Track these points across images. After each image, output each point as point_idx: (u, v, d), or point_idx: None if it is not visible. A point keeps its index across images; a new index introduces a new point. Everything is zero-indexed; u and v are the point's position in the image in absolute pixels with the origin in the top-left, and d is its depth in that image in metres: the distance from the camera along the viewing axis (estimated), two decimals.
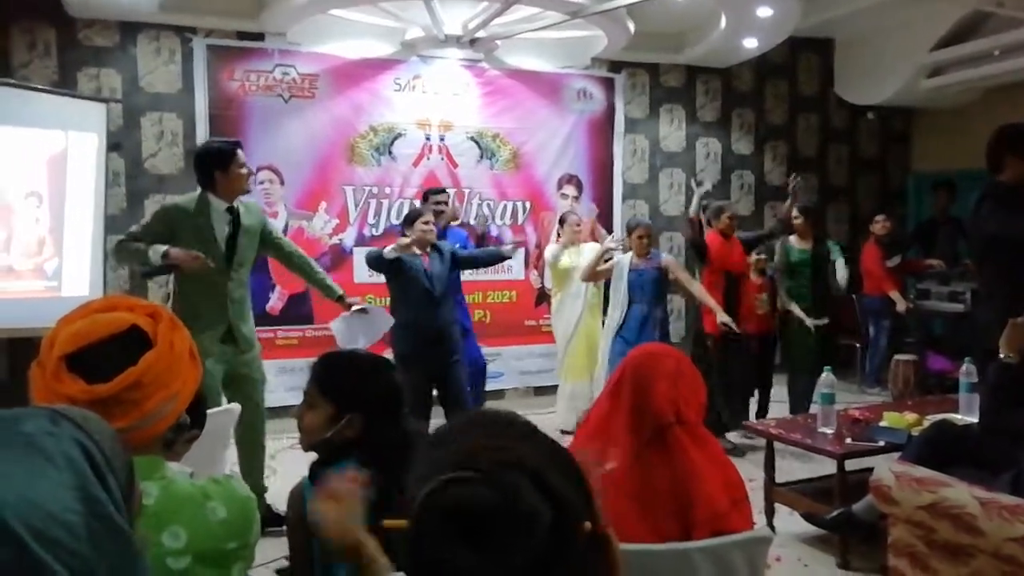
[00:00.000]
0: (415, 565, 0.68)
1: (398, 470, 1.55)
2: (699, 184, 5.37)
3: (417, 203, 5.92)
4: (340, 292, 3.80)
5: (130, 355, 1.21)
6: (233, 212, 3.43)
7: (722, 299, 4.83)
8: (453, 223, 5.11)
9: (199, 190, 3.43)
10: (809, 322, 5.09)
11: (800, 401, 5.20)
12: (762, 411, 5.19)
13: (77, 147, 4.97)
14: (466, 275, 4.92)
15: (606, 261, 4.94)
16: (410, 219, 4.27)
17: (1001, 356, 2.54)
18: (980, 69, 6.12)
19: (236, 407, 3.12)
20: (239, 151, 3.41)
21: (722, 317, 4.63)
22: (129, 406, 1.19)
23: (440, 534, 0.65)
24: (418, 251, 4.15)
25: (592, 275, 4.97)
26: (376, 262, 4.13)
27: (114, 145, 5.33)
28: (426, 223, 4.18)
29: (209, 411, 2.43)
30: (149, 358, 1.22)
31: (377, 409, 1.65)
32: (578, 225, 5.30)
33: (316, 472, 1.66)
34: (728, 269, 4.94)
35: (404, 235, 4.25)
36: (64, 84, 5.26)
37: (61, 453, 0.70)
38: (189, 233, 3.32)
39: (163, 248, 3.27)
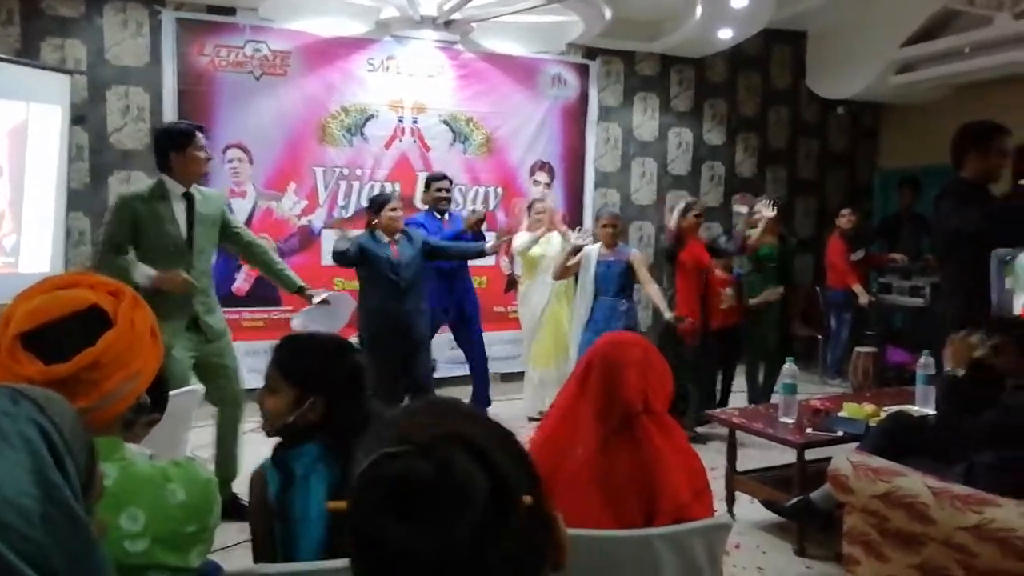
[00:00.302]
0: (355, 542, 0.67)
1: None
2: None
3: (388, 186, 5.90)
4: (300, 284, 3.68)
5: (89, 334, 1.19)
6: (189, 197, 3.32)
7: (698, 300, 4.87)
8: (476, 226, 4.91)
9: (156, 177, 3.36)
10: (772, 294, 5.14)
11: (758, 391, 5.31)
12: (723, 401, 5.27)
13: (39, 119, 4.84)
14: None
15: (575, 254, 4.94)
16: (377, 204, 4.21)
17: (946, 370, 2.62)
18: (950, 66, 6.22)
19: (199, 388, 3.09)
20: (198, 134, 3.31)
21: (667, 315, 4.71)
22: (88, 386, 1.17)
23: (377, 509, 0.65)
24: (386, 238, 4.12)
25: (563, 272, 4.95)
26: (343, 260, 4.10)
27: (78, 118, 5.21)
28: (393, 210, 4.14)
29: (171, 393, 2.40)
30: (108, 338, 1.20)
31: (340, 392, 1.64)
32: (540, 212, 5.27)
33: (279, 456, 1.65)
34: (700, 267, 4.97)
35: (371, 221, 4.22)
36: (27, 54, 5.12)
37: (18, 434, 0.69)
38: (148, 221, 3.23)
39: (149, 272, 3.19)
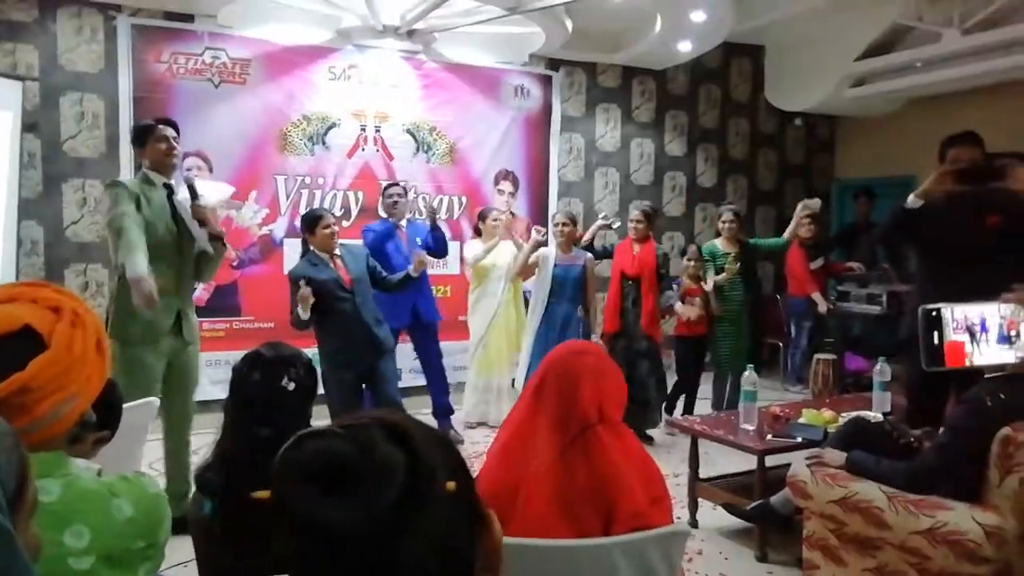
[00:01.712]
0: (291, 521, 0.68)
1: (239, 477, 1.53)
2: (605, 218, 5.41)
3: (352, 195, 5.86)
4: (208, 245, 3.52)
5: (19, 357, 1.14)
6: (169, 189, 3.39)
7: (617, 307, 4.98)
8: (408, 217, 5.00)
9: (140, 173, 3.41)
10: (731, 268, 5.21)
11: (722, 398, 5.37)
12: (688, 409, 5.31)
13: None
14: None
15: (536, 250, 4.93)
16: (309, 222, 4.03)
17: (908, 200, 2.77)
18: (902, 80, 6.39)
19: (155, 401, 3.02)
20: (159, 126, 3.38)
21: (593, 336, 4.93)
22: (17, 410, 1.13)
23: (299, 484, 0.67)
24: (325, 256, 4.01)
25: (524, 271, 4.97)
26: (303, 325, 3.91)
27: (29, 125, 5.09)
28: (327, 227, 3.98)
29: (126, 405, 2.34)
30: (39, 362, 1.15)
31: (228, 417, 1.64)
32: (495, 220, 5.26)
33: (201, 475, 1.64)
34: (626, 274, 5.00)
35: (305, 240, 4.09)
36: None
37: None
38: (144, 206, 3.24)
39: (143, 269, 3.06)
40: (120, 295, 3.24)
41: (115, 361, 3.21)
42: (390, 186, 5.06)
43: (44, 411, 1.16)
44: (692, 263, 5.33)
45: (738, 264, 5.22)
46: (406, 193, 5.07)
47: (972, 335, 2.67)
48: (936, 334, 2.64)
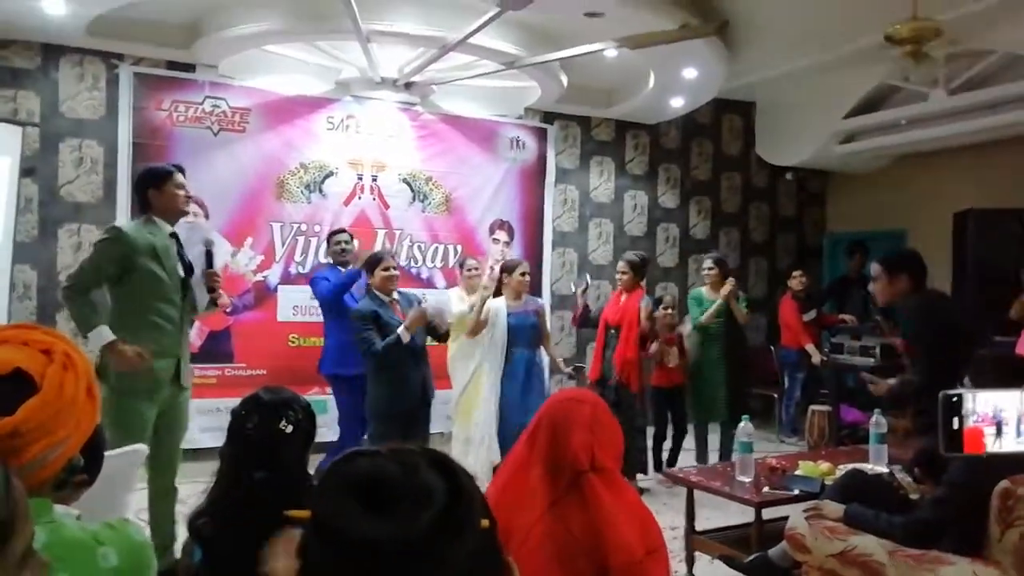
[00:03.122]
0: (317, 534, 0.69)
1: (235, 526, 1.50)
2: (577, 285, 5.48)
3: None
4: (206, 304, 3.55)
5: (10, 400, 1.13)
6: (176, 238, 3.36)
7: (600, 354, 5.05)
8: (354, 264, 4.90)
9: (143, 216, 3.34)
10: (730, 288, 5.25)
11: (704, 450, 5.34)
12: (672, 460, 5.27)
13: None
14: None
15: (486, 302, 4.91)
16: (371, 265, 4.11)
17: None
18: (889, 137, 6.52)
19: (143, 448, 2.96)
20: (177, 173, 3.36)
21: (565, 369, 5.11)
22: (7, 454, 1.11)
23: (343, 500, 0.68)
24: (385, 298, 4.04)
25: (479, 327, 4.79)
26: (392, 352, 3.91)
27: (28, 170, 5.12)
28: (386, 269, 4.05)
29: (112, 452, 2.29)
30: (29, 406, 1.14)
31: (224, 461, 1.62)
32: (473, 270, 5.17)
33: (193, 524, 1.61)
34: (608, 322, 5.05)
35: (368, 284, 4.16)
36: None
37: None
38: (145, 258, 3.17)
39: (109, 336, 3.08)
40: (124, 337, 3.17)
41: (108, 411, 3.18)
42: (338, 232, 5.02)
43: (33, 455, 1.14)
44: (668, 312, 5.33)
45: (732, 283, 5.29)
46: (352, 239, 5.02)
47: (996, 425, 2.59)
48: (956, 420, 2.56)
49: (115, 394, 3.13)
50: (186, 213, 3.52)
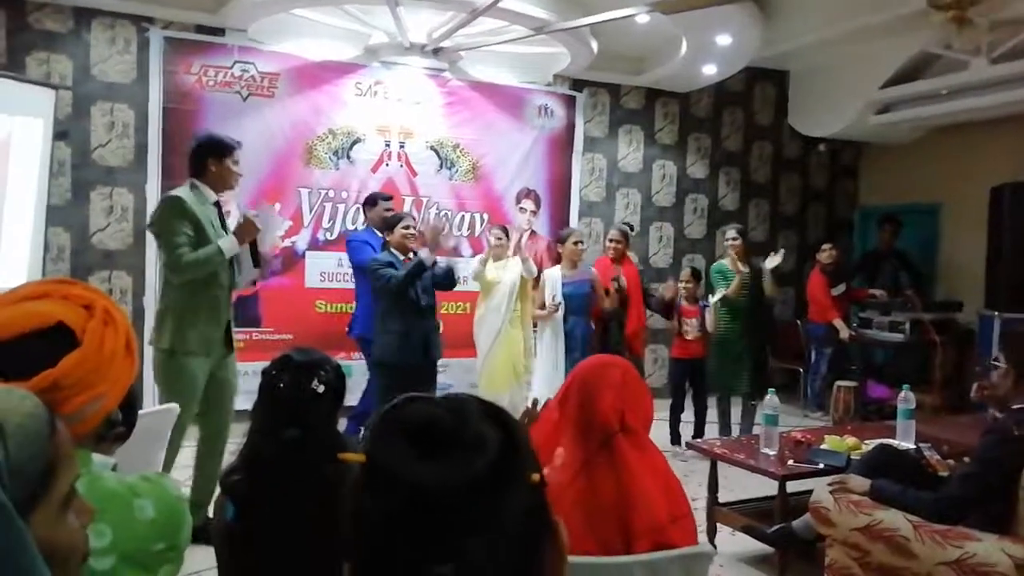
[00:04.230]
0: (370, 481, 0.69)
1: (266, 484, 1.52)
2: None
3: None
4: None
5: (51, 354, 1.14)
6: (218, 206, 3.48)
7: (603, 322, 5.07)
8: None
9: (188, 182, 3.45)
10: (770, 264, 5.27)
11: (727, 423, 5.33)
12: (698, 432, 5.27)
13: (21, 132, 4.80)
14: None
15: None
16: (391, 224, 4.32)
17: None
18: (927, 108, 6.35)
19: (175, 407, 3.03)
20: (238, 149, 3.50)
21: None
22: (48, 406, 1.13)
23: (396, 445, 0.68)
24: (401, 257, 4.17)
25: (543, 310, 4.98)
26: (416, 277, 4.11)
27: (60, 133, 5.17)
28: (406, 228, 4.23)
29: (148, 410, 2.34)
30: (70, 360, 1.15)
31: (256, 421, 1.63)
32: (499, 239, 5.23)
33: (227, 481, 1.63)
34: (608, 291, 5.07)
35: (386, 241, 4.30)
36: (12, 68, 5.08)
37: None
38: (196, 224, 3.31)
39: (228, 238, 3.33)
40: (177, 305, 3.32)
41: (161, 369, 3.31)
42: (386, 198, 5.12)
43: (73, 408, 1.16)
44: (687, 284, 5.30)
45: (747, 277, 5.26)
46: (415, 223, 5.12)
47: None
48: None
49: (170, 354, 3.28)
50: (234, 187, 3.63)
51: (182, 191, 3.40)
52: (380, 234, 4.82)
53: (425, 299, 4.25)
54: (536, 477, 0.71)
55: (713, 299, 5.26)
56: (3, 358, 1.13)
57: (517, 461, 0.69)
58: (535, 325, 5.21)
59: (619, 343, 5.01)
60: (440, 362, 5.38)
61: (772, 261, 5.26)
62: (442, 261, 4.47)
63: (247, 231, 3.38)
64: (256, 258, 3.57)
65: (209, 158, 3.41)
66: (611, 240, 5.18)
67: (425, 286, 4.25)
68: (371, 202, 5.12)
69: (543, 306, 5.00)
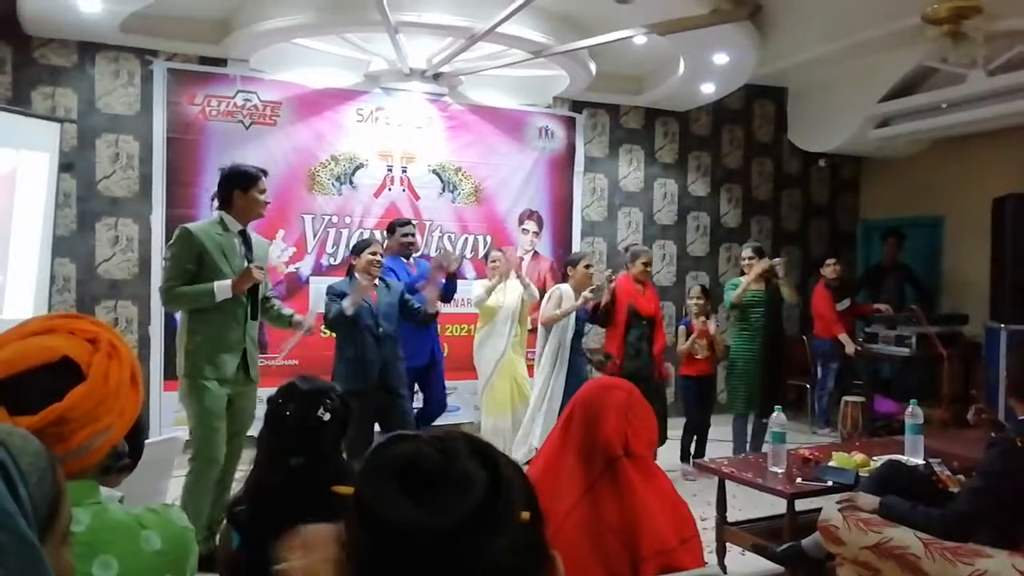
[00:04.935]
0: (358, 518, 0.69)
1: (272, 512, 1.52)
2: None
3: (377, 234, 5.91)
4: (291, 315, 3.81)
5: (58, 388, 1.16)
6: (244, 236, 3.49)
7: (621, 343, 4.95)
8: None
9: (217, 213, 3.51)
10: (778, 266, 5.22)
11: (743, 442, 5.29)
12: (699, 452, 5.24)
13: (27, 166, 4.86)
14: None
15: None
16: (358, 249, 4.29)
17: None
18: (927, 121, 6.37)
19: (181, 436, 3.04)
20: (263, 178, 3.51)
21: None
22: (54, 440, 1.14)
23: (383, 484, 0.68)
24: (364, 282, 4.12)
25: (552, 320, 4.92)
26: (339, 322, 4.08)
27: (66, 166, 5.23)
28: (374, 253, 4.17)
29: (152, 440, 2.35)
30: (76, 393, 1.17)
31: (262, 450, 1.64)
32: (495, 261, 5.23)
33: (233, 513, 1.63)
34: (640, 313, 5.00)
35: (352, 265, 4.26)
36: (17, 102, 5.15)
37: None
38: (215, 253, 3.34)
39: (225, 284, 3.31)
40: (192, 334, 3.36)
41: (182, 394, 3.39)
42: (404, 224, 5.06)
43: (80, 441, 1.17)
44: (698, 300, 5.29)
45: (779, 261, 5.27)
46: (415, 231, 5.15)
47: None
48: None
49: (189, 380, 3.34)
50: (262, 216, 3.65)
51: (199, 223, 3.52)
52: (404, 260, 4.87)
53: (385, 327, 4.18)
54: (526, 515, 0.70)
55: (716, 320, 5.27)
56: (11, 393, 1.15)
57: (504, 500, 0.69)
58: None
59: (647, 365, 4.98)
60: (448, 384, 5.40)
61: (773, 263, 5.27)
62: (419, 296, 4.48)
63: (245, 279, 3.37)
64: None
65: (235, 190, 3.45)
66: (646, 263, 5.14)
67: (387, 313, 4.19)
68: (390, 229, 5.11)
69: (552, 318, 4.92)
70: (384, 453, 0.72)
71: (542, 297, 5.23)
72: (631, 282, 5.10)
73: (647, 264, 5.10)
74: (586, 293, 4.80)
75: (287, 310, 3.84)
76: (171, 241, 3.47)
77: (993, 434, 2.67)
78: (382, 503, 0.67)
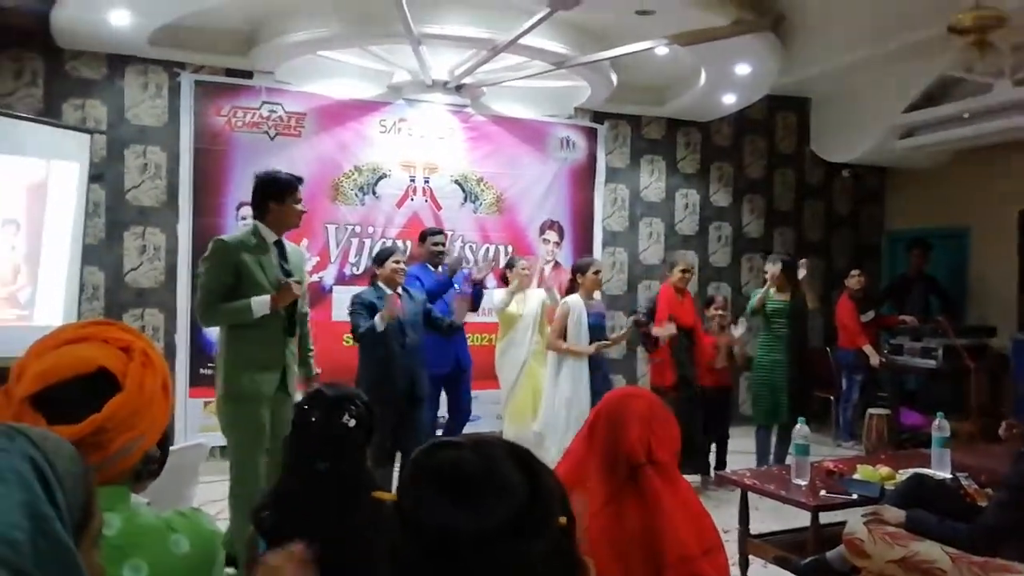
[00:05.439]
0: (401, 523, 0.71)
1: (295, 517, 1.53)
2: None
3: (400, 243, 5.95)
4: (313, 373, 3.66)
5: (95, 398, 1.19)
6: (280, 246, 3.35)
7: (671, 352, 4.92)
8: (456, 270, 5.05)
9: (252, 222, 3.37)
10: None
11: (767, 455, 5.23)
12: (720, 464, 5.19)
13: (58, 176, 4.95)
14: None
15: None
16: (381, 258, 4.27)
17: None
18: (950, 131, 6.31)
19: (206, 443, 3.08)
20: (299, 187, 3.35)
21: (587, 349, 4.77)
22: (92, 448, 1.17)
23: (425, 489, 0.70)
24: (388, 291, 4.14)
25: (559, 351, 4.81)
26: (369, 336, 4.04)
27: (96, 176, 5.32)
28: (397, 262, 4.17)
29: (178, 446, 2.38)
30: (114, 404, 1.19)
31: (288, 456, 1.65)
32: (525, 269, 5.22)
33: (259, 518, 1.65)
34: (680, 324, 4.98)
35: (375, 274, 4.27)
36: (49, 114, 5.27)
37: (11, 469, 0.71)
38: (251, 266, 3.19)
39: (264, 299, 3.15)
40: (232, 353, 3.22)
41: (220, 413, 3.21)
42: (435, 233, 5.06)
43: (116, 449, 1.20)
44: (719, 312, 5.26)
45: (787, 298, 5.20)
46: (447, 241, 5.12)
47: None
48: None
49: (229, 400, 3.19)
50: (298, 226, 3.49)
51: (234, 234, 3.38)
52: (433, 268, 4.88)
53: (411, 335, 4.18)
54: (563, 520, 0.71)
55: (738, 331, 5.22)
56: (49, 403, 1.18)
57: (543, 505, 0.70)
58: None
59: (688, 374, 4.96)
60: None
61: (800, 272, 5.24)
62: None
63: (285, 295, 3.23)
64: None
65: (270, 201, 3.28)
66: (686, 270, 5.15)
67: (412, 322, 4.19)
68: (422, 238, 5.11)
69: (562, 333, 4.79)
70: (426, 460, 0.73)
71: None
72: (672, 291, 5.08)
73: (685, 271, 5.07)
74: (591, 348, 4.70)
75: (311, 353, 3.67)
76: (205, 254, 3.31)
77: (1022, 449, 2.63)
78: (423, 507, 0.68)
